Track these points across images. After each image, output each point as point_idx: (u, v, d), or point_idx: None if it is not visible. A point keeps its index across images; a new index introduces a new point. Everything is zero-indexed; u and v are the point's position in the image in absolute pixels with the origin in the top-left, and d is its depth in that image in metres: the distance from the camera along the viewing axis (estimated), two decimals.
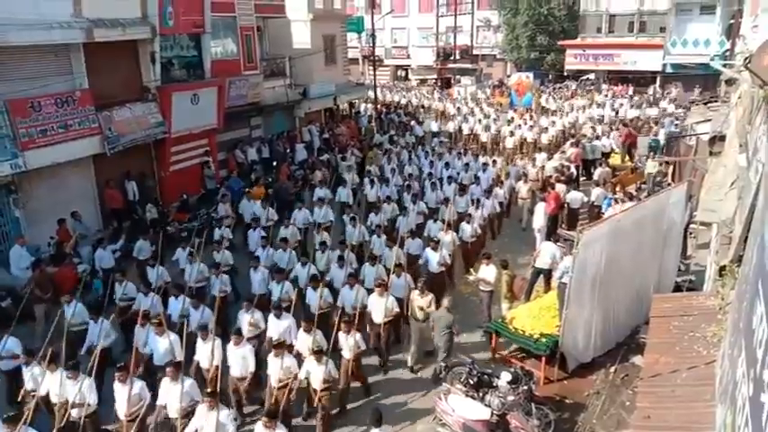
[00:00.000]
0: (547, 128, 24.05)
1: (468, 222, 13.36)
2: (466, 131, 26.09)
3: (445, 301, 9.51)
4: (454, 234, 12.79)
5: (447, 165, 18.87)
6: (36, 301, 10.58)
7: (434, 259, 11.67)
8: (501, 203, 15.97)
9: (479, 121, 26.52)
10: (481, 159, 20.13)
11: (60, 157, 13.52)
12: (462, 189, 16.06)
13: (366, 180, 17.34)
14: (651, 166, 17.89)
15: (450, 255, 12.23)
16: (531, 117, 26.84)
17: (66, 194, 13.99)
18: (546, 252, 11.65)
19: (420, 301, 9.82)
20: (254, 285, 10.95)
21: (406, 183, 16.87)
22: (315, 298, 9.73)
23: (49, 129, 13.19)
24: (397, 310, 9.86)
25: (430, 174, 18.02)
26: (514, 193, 17.23)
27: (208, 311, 9.53)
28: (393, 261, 11.06)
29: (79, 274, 11.84)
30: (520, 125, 24.63)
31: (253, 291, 10.83)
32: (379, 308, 9.71)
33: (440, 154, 20.95)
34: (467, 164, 19.09)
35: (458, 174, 18.15)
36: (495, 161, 20.12)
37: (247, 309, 9.42)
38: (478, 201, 14.72)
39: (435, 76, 47.33)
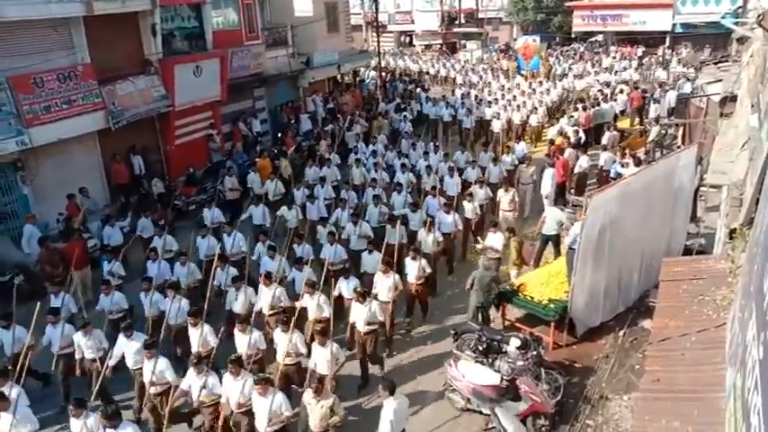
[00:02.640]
0: (536, 107, 21.37)
1: (414, 258, 9.81)
2: (446, 117, 21.72)
3: (482, 260, 9.76)
4: (397, 277, 9.36)
5: (403, 166, 14.88)
6: (47, 278, 10.68)
7: (361, 316, 8.52)
8: (468, 221, 12.44)
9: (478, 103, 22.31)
10: (459, 156, 15.99)
11: (65, 132, 13.47)
12: (415, 203, 12.43)
13: (300, 194, 13.53)
14: (654, 132, 17.56)
15: (387, 303, 9.20)
16: (531, 85, 25.44)
17: (72, 170, 14.00)
18: (552, 218, 11.67)
19: (316, 408, 6.72)
20: (127, 359, 7.99)
21: (342, 197, 13.03)
22: (196, 387, 7.17)
23: (52, 105, 13.13)
24: (288, 413, 6.74)
25: (374, 180, 14.05)
26: (493, 202, 13.39)
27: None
28: (315, 314, 8.65)
29: (89, 248, 11.96)
30: (506, 106, 21.28)
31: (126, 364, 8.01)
32: (262, 410, 6.68)
33: (399, 152, 16.50)
34: (428, 166, 14.59)
35: (417, 178, 14.60)
36: (474, 162, 15.37)
37: (77, 413, 6.36)
38: (432, 220, 11.13)
39: (440, 42, 46.66)
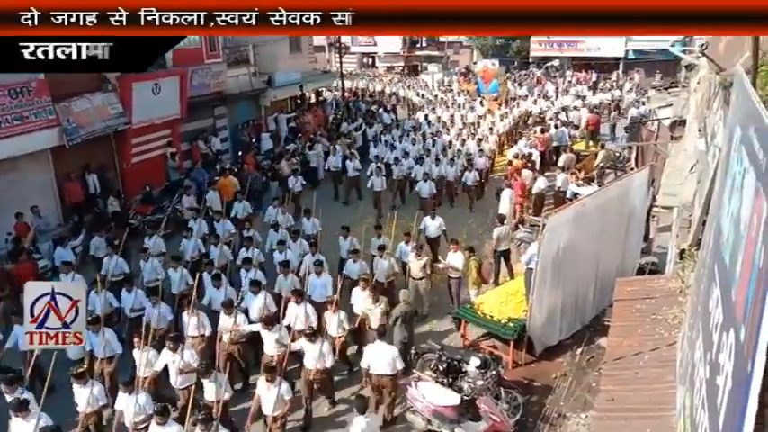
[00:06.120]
0: (471, 163, 17.00)
1: (270, 380, 7.10)
2: (351, 173, 17.20)
3: (402, 294, 9.30)
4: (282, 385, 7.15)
5: (247, 261, 10.31)
6: None
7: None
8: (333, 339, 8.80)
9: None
10: (342, 243, 11.58)
11: (17, 150, 13.06)
12: (301, 295, 8.93)
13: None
14: (601, 157, 17.88)
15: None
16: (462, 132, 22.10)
17: (24, 189, 13.54)
18: (497, 234, 11.94)
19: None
20: None
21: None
22: None
23: (3, 121, 12.71)
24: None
25: (247, 261, 10.32)
26: (404, 273, 10.70)
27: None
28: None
29: (39, 269, 11.56)
30: (438, 158, 17.22)
31: None
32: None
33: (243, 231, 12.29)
34: (285, 261, 10.43)
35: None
36: (356, 251, 10.79)
37: None
38: (314, 333, 8.00)
39: (402, 64, 47.26)
